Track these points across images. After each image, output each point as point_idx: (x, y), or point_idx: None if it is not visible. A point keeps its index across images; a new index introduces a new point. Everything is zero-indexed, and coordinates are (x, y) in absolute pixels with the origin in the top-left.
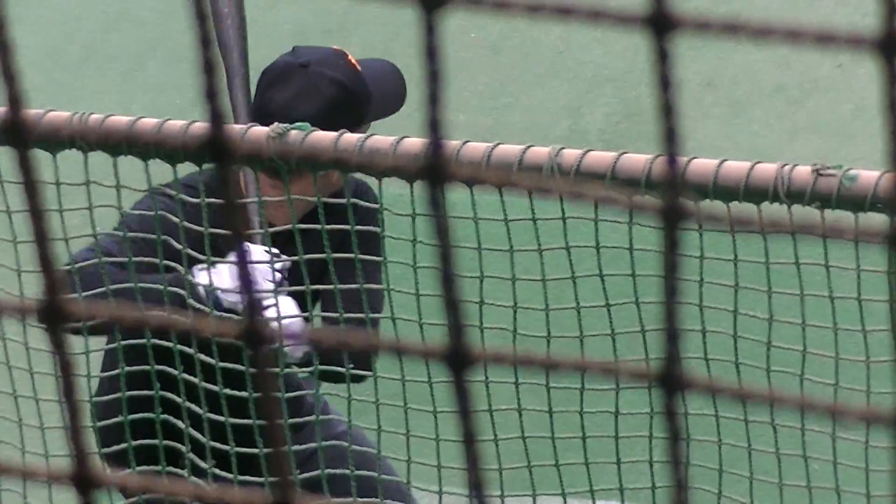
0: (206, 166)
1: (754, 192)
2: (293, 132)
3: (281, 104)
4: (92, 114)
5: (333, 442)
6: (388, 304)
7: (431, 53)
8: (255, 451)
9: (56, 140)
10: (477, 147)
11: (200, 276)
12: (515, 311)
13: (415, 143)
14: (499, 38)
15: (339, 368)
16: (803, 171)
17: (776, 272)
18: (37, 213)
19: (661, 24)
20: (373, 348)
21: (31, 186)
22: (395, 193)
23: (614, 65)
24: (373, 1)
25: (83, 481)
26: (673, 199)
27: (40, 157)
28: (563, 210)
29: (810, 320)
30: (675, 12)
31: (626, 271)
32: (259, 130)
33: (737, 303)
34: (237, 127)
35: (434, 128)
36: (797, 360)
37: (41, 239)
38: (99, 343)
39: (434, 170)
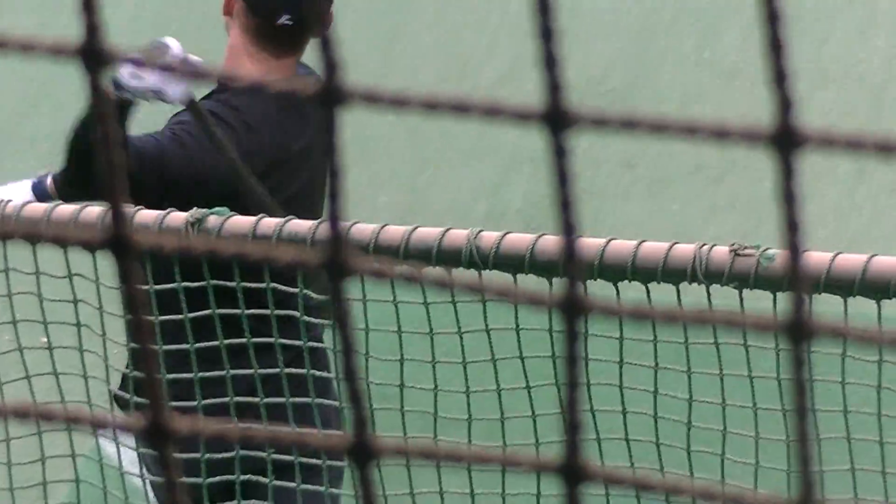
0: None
1: (673, 273)
2: (212, 218)
3: None
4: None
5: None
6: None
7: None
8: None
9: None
10: (396, 230)
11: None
12: (436, 395)
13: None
14: (418, 119)
15: None
16: (721, 252)
17: (695, 352)
18: None
19: (558, 121)
20: None
21: None
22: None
23: (533, 144)
24: None
25: (157, 431)
26: (570, 290)
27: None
28: (482, 293)
29: (730, 399)
30: (573, 110)
31: (546, 353)
32: (178, 216)
33: (657, 384)
34: (154, 213)
35: (335, 222)
36: (717, 438)
37: None
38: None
39: (335, 264)
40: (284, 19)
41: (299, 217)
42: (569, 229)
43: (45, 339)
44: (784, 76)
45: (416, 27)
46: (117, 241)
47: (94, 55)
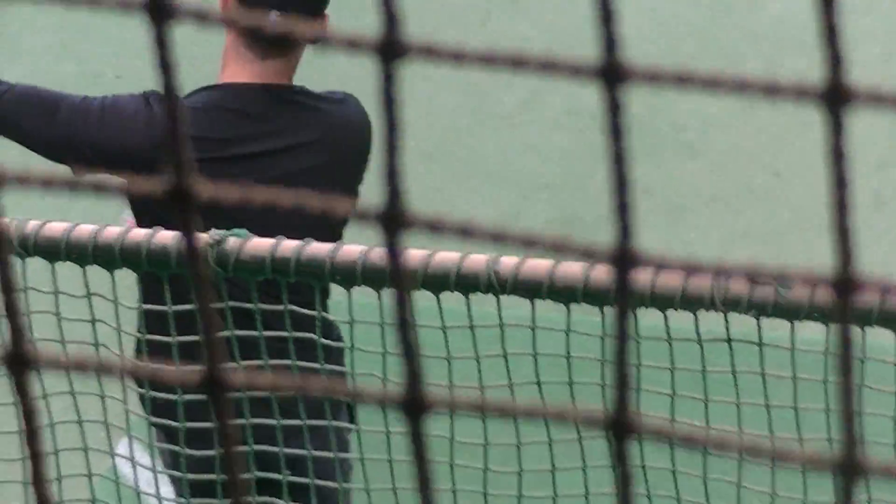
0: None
1: (691, 301)
2: (231, 239)
3: None
4: (30, 220)
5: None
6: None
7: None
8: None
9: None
10: (415, 255)
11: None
12: (452, 418)
13: (353, 250)
14: (434, 146)
15: None
16: (740, 280)
17: (712, 380)
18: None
19: (613, 75)
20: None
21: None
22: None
23: (550, 172)
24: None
25: (214, 383)
26: (621, 320)
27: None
28: (500, 317)
29: (747, 427)
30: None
31: (563, 378)
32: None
33: (673, 411)
34: (172, 234)
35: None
36: (733, 467)
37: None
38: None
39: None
40: (272, 16)
41: (243, 225)
42: (623, 252)
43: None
44: (834, 33)
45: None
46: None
47: None
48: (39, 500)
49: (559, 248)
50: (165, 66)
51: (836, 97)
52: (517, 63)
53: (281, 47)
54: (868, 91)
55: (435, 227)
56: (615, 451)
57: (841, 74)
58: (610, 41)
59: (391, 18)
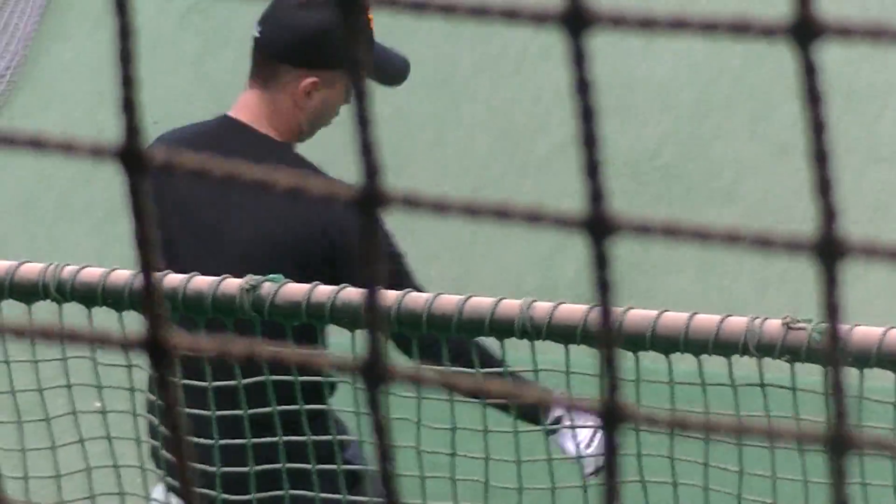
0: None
1: (724, 346)
2: (266, 284)
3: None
4: (67, 265)
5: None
6: None
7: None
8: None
9: (31, 291)
10: (449, 300)
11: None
12: (487, 463)
13: (389, 294)
14: (471, 190)
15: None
16: (774, 325)
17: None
18: None
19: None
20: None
21: None
22: None
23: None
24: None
25: (156, 348)
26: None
27: (15, 308)
28: (534, 362)
29: (780, 473)
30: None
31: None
32: (232, 283)
33: (707, 455)
34: (210, 279)
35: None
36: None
37: None
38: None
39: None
40: (255, 30)
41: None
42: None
43: (99, 404)
44: (828, 187)
45: (471, 98)
46: (154, 344)
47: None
48: None
49: (533, 218)
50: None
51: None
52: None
53: (258, 75)
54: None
55: (412, 202)
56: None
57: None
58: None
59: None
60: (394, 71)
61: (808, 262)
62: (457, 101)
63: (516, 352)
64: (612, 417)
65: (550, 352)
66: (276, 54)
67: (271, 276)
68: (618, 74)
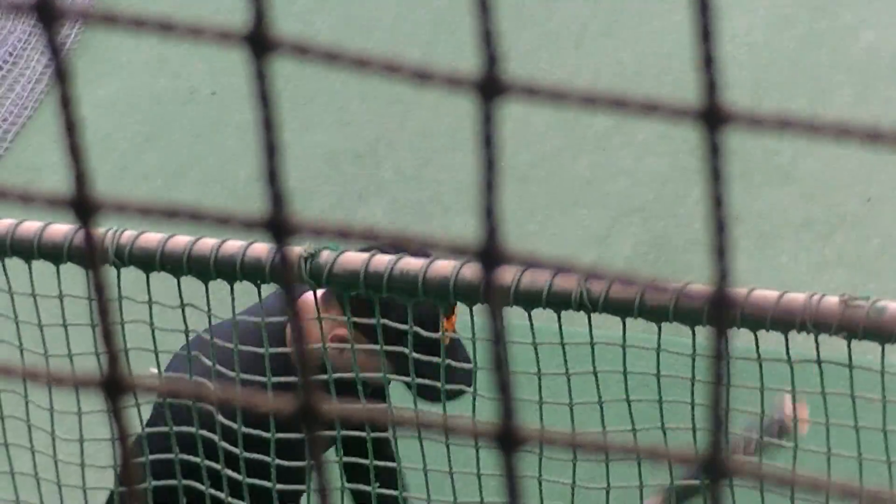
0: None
1: (781, 322)
2: (325, 252)
3: None
4: (125, 230)
5: None
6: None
7: (487, 143)
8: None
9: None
10: (507, 272)
11: None
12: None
13: (446, 265)
14: (527, 167)
15: None
16: (831, 302)
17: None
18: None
19: (713, 119)
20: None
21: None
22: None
23: (642, 195)
24: (410, 122)
25: (112, 386)
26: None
27: (73, 272)
28: (591, 335)
29: (834, 449)
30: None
31: (652, 398)
32: (293, 251)
33: (762, 432)
34: (267, 247)
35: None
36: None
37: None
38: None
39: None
40: None
41: None
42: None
43: (155, 369)
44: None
45: (529, 74)
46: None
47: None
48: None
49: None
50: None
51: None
52: (618, 103)
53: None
54: None
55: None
56: (711, 493)
57: None
58: (711, 84)
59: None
60: (450, 390)
61: (864, 244)
62: (515, 76)
63: (571, 326)
64: (714, 471)
65: (606, 326)
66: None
67: (329, 244)
68: (678, 55)
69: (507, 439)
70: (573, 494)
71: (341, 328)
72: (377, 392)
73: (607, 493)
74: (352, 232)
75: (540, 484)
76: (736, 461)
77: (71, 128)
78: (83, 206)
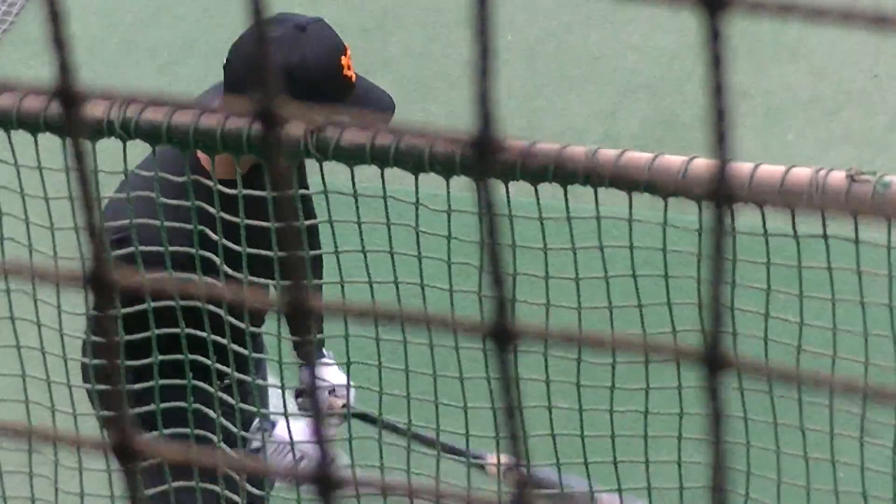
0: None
1: (788, 197)
2: (330, 126)
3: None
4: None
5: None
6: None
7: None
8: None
9: (96, 129)
10: (513, 146)
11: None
12: (547, 310)
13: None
14: (535, 42)
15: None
16: (838, 176)
17: (808, 276)
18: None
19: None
20: (411, 320)
21: (80, 157)
22: (430, 193)
23: (649, 71)
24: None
25: (125, 450)
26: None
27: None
28: (597, 210)
29: (841, 325)
30: None
31: (659, 273)
32: (298, 127)
33: (768, 307)
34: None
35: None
36: (827, 365)
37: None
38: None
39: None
40: (225, 57)
41: None
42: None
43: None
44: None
45: None
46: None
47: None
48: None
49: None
50: None
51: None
52: None
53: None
54: None
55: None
56: (711, 386)
57: None
58: None
59: None
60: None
61: (871, 120)
62: None
63: (579, 202)
64: (713, 365)
65: (611, 202)
66: (233, 88)
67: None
68: None
69: (501, 335)
70: (579, 394)
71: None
72: None
73: (613, 367)
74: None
75: (548, 386)
76: (735, 357)
77: (55, 19)
78: (67, 97)
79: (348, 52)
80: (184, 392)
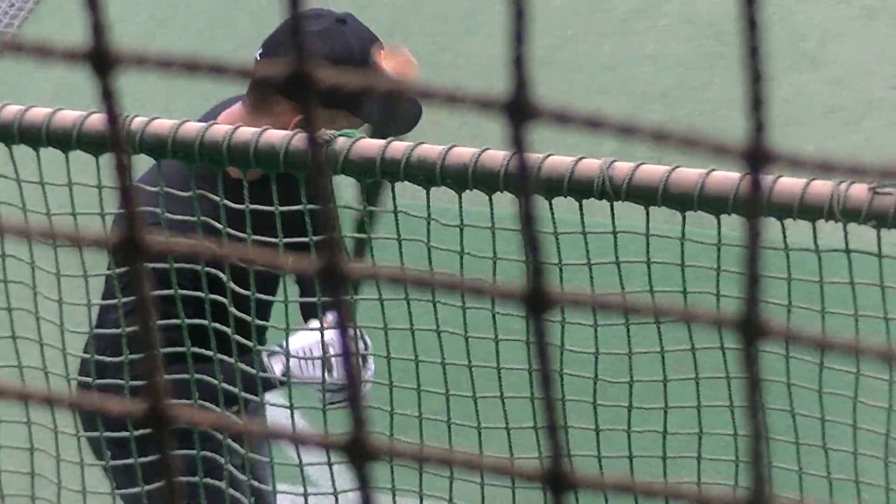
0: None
1: (809, 210)
2: (340, 139)
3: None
4: (136, 115)
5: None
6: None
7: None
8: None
9: (100, 143)
10: (527, 158)
11: (274, 362)
12: (563, 327)
13: (464, 151)
14: (547, 52)
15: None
16: (859, 189)
17: (830, 291)
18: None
19: None
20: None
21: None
22: (442, 207)
23: (665, 81)
24: (426, 5)
25: (160, 418)
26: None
27: (83, 160)
28: (613, 225)
29: (864, 336)
30: None
31: (677, 288)
32: (303, 138)
33: (789, 322)
34: (282, 133)
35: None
36: (850, 383)
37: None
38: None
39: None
40: (257, 51)
41: None
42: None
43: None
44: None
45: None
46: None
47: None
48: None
49: (688, 144)
50: None
51: None
52: None
53: (252, 97)
54: None
55: (561, 119)
56: (747, 356)
57: None
58: None
59: None
60: (403, 122)
61: (893, 130)
62: None
63: (594, 217)
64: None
65: (628, 216)
66: (272, 84)
67: (346, 130)
68: None
69: (537, 300)
70: (596, 362)
71: (299, 113)
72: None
73: (630, 387)
74: (374, 87)
75: (561, 354)
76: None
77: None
78: (101, 59)
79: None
80: (202, 362)
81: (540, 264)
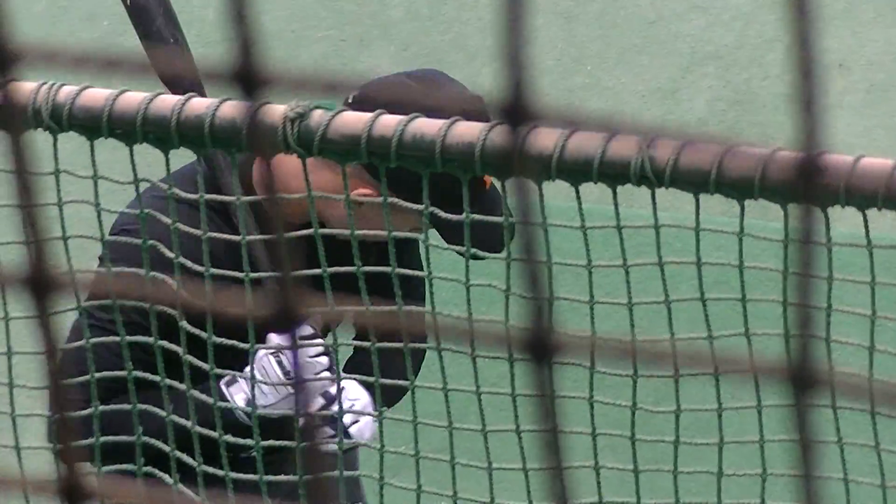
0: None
1: None
2: (317, 112)
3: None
4: (64, 84)
5: None
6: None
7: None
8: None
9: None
10: (550, 135)
11: (234, 392)
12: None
13: (471, 129)
14: (574, 3)
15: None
16: None
17: None
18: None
19: None
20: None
21: None
22: None
23: (719, 39)
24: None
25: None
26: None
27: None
28: (655, 217)
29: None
30: None
31: (734, 295)
32: (274, 110)
33: (873, 337)
34: (244, 105)
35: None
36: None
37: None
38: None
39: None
40: (349, 98)
41: None
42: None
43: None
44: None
45: None
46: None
47: None
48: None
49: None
50: None
51: None
52: None
53: None
54: None
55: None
56: (796, 406)
57: None
58: None
59: None
60: (487, 244)
61: None
62: None
63: (630, 206)
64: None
65: (673, 208)
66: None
67: (323, 101)
68: None
69: (538, 347)
70: (633, 418)
71: (364, 186)
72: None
73: (677, 417)
74: (343, 85)
75: (591, 407)
76: (826, 372)
77: None
78: None
79: None
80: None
81: (541, 308)
